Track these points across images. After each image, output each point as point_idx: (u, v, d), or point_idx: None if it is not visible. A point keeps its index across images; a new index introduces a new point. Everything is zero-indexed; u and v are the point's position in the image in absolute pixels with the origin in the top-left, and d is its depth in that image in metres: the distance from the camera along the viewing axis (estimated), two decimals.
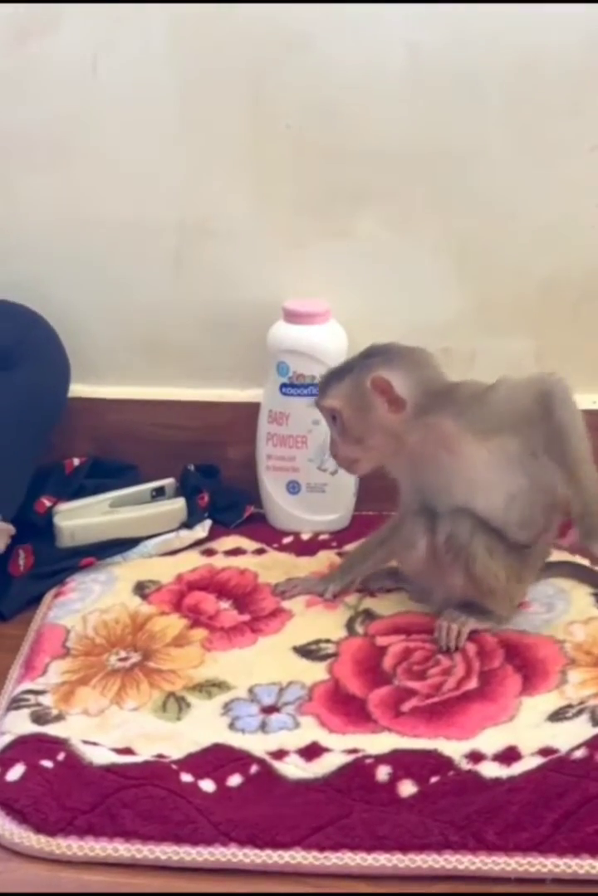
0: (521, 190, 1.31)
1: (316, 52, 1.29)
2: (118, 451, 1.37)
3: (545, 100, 1.28)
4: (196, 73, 1.31)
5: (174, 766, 0.97)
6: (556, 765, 0.95)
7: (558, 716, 1.02)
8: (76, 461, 1.37)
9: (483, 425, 1.09)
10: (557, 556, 1.24)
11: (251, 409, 1.35)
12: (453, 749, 0.99)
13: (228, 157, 1.33)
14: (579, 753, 0.95)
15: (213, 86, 1.31)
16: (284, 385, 1.31)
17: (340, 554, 1.29)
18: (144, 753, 0.99)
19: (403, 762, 0.97)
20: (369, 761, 0.97)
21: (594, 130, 1.29)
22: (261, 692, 1.07)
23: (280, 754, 0.99)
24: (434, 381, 1.13)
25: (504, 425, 1.10)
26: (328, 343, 1.31)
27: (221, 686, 1.08)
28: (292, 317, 1.31)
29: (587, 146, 1.29)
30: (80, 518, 1.29)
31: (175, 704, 1.06)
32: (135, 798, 0.93)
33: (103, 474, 1.36)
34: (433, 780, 0.95)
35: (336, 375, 1.15)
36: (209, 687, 1.08)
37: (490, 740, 1.00)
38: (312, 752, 0.99)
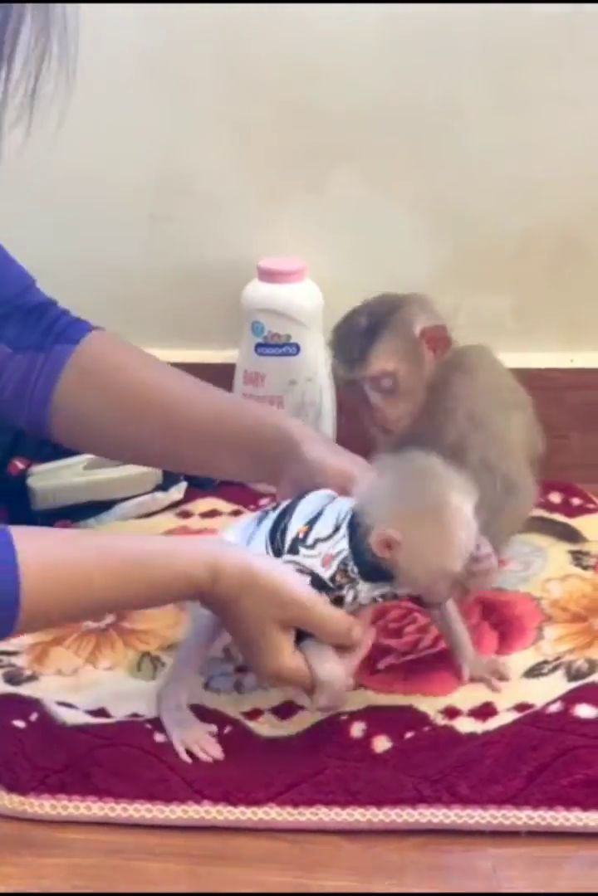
0: (498, 144, 1.30)
1: (290, 8, 1.27)
2: None
3: (522, 52, 1.27)
4: (170, 30, 1.29)
5: (148, 726, 0.96)
6: (531, 719, 0.94)
7: (534, 672, 1.02)
8: None
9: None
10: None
11: (227, 370, 1.34)
12: (429, 705, 0.98)
13: (203, 115, 1.31)
14: (554, 708, 0.95)
15: (186, 42, 1.29)
16: (259, 345, 1.30)
17: None
18: (118, 713, 0.98)
19: (377, 719, 0.96)
20: (343, 718, 0.96)
21: (571, 82, 1.28)
22: (236, 651, 1.06)
23: (254, 714, 0.98)
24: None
25: None
26: (303, 301, 1.29)
27: None
28: (267, 275, 1.30)
29: (564, 98, 1.28)
30: (54, 480, 1.28)
31: (150, 664, 1.05)
32: (108, 757, 0.92)
33: None
34: (408, 735, 0.95)
35: (368, 337, 1.05)
36: None
37: (466, 697, 0.99)
38: (285, 710, 0.98)
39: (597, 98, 1.28)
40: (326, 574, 0.92)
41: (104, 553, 0.90)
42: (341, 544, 0.92)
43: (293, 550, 0.93)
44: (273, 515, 0.96)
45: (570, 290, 1.35)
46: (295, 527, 0.93)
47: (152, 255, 1.35)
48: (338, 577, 0.92)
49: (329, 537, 0.92)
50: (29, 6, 0.75)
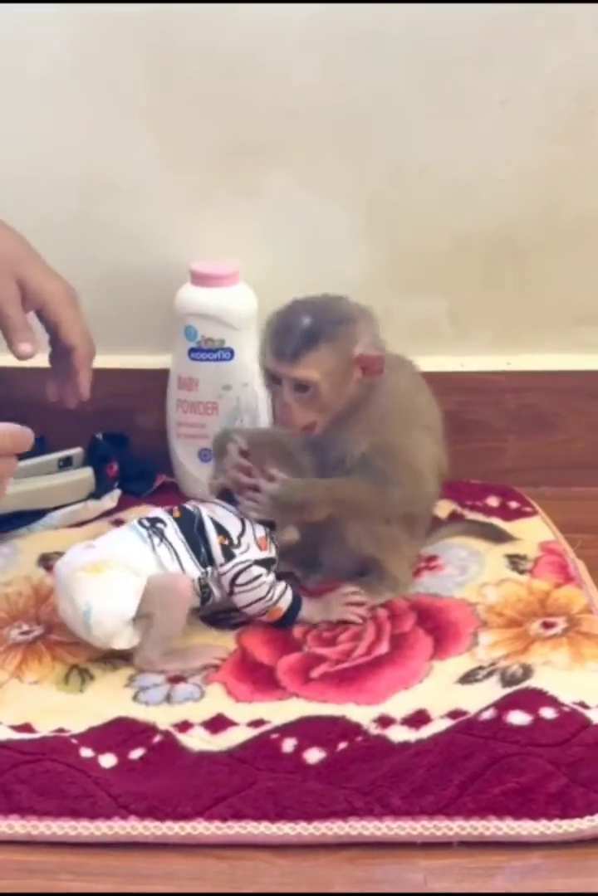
0: (431, 144, 1.29)
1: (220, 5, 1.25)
2: (23, 420, 1.32)
3: (454, 51, 1.26)
4: (94, 26, 1.26)
5: (74, 741, 0.94)
6: (464, 727, 0.93)
7: (468, 678, 1.01)
8: None
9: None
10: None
11: (161, 376, 1.32)
12: (363, 714, 0.97)
13: (131, 112, 1.29)
14: (487, 715, 0.93)
15: (112, 38, 1.26)
16: (192, 350, 1.28)
17: None
18: (44, 728, 0.96)
19: (310, 731, 0.94)
20: (274, 736, 0.94)
21: (503, 83, 1.27)
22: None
23: (185, 726, 0.96)
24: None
25: None
26: (237, 305, 1.27)
27: (126, 658, 1.05)
28: (200, 279, 1.28)
29: (497, 99, 1.28)
30: None
31: (78, 677, 1.03)
32: (31, 773, 0.89)
33: None
34: (341, 746, 0.93)
35: (305, 339, 1.04)
36: (114, 659, 1.05)
37: (400, 704, 0.98)
38: (217, 724, 0.96)
39: (529, 99, 1.28)
40: (273, 552, 1.08)
41: None
42: (260, 531, 1.08)
43: (229, 556, 1.06)
44: (175, 530, 1.06)
45: (506, 293, 1.34)
46: (214, 540, 1.07)
47: (81, 259, 1.31)
48: (274, 549, 1.08)
49: (243, 531, 1.07)
50: None
